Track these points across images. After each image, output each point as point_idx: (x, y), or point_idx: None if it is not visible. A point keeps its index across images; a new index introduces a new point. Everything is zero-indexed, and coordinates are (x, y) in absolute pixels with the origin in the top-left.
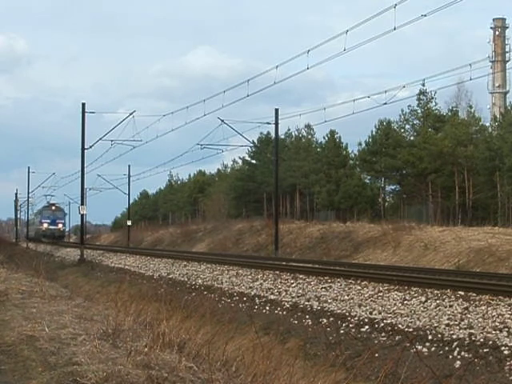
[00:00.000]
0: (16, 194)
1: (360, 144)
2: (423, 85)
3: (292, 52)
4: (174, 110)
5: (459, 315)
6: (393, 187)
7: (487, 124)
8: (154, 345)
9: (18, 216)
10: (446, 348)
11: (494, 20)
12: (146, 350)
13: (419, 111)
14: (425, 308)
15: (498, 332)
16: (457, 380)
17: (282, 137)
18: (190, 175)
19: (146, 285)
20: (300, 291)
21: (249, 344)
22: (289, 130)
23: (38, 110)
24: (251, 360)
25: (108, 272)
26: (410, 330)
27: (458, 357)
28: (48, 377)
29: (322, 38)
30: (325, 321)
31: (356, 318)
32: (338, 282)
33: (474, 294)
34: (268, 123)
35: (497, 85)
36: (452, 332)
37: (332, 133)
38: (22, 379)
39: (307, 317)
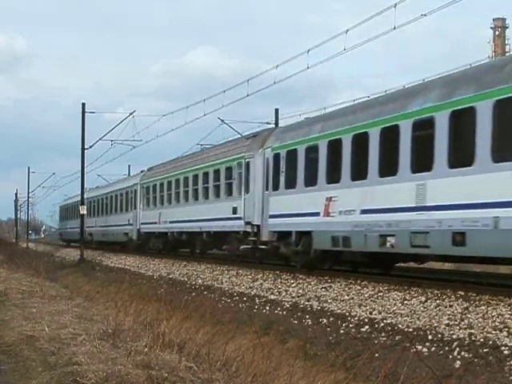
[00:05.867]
0: (16, 194)
1: None
2: None
3: (292, 52)
4: (174, 110)
5: (459, 315)
6: None
7: None
8: (154, 345)
9: (18, 216)
10: (446, 348)
11: (493, 20)
12: (146, 350)
13: None
14: (425, 308)
15: (498, 332)
16: (457, 380)
17: None
18: None
19: (145, 285)
20: (300, 291)
21: (249, 344)
22: None
23: (37, 110)
24: (251, 360)
25: (108, 272)
26: (410, 330)
27: (458, 357)
28: (48, 377)
29: (322, 38)
30: (325, 321)
31: (356, 318)
32: (338, 281)
33: (474, 294)
34: (268, 123)
35: None
36: (452, 332)
37: None
38: (21, 379)
39: (307, 317)
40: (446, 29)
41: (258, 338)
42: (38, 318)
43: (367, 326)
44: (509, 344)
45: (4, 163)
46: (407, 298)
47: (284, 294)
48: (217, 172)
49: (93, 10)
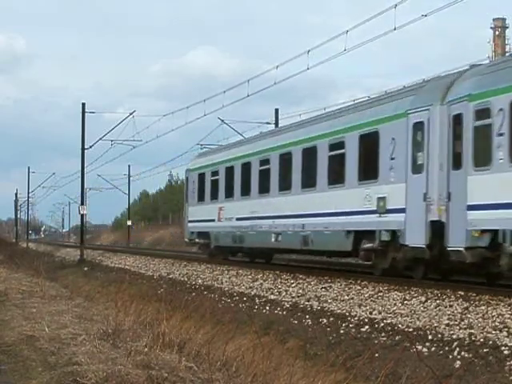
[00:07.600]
0: (16, 194)
1: None
2: None
3: (292, 52)
4: (174, 110)
5: (459, 315)
6: None
7: None
8: (154, 345)
9: (18, 216)
10: (446, 348)
11: (493, 20)
12: (146, 350)
13: None
14: (425, 308)
15: (498, 332)
16: (457, 380)
17: None
18: None
19: (145, 285)
20: (300, 291)
21: (249, 344)
22: None
23: (37, 110)
24: (251, 360)
25: (108, 272)
26: (410, 330)
27: (458, 357)
28: (48, 377)
29: (322, 38)
30: (325, 321)
31: (356, 318)
32: (338, 281)
33: (474, 294)
34: (268, 123)
35: None
36: (452, 332)
37: None
38: (22, 379)
39: (307, 317)
40: (445, 29)
41: (258, 337)
42: (37, 318)
43: (367, 326)
44: (509, 344)
45: (4, 163)
46: (407, 297)
47: (284, 294)
48: None
49: (93, 10)
